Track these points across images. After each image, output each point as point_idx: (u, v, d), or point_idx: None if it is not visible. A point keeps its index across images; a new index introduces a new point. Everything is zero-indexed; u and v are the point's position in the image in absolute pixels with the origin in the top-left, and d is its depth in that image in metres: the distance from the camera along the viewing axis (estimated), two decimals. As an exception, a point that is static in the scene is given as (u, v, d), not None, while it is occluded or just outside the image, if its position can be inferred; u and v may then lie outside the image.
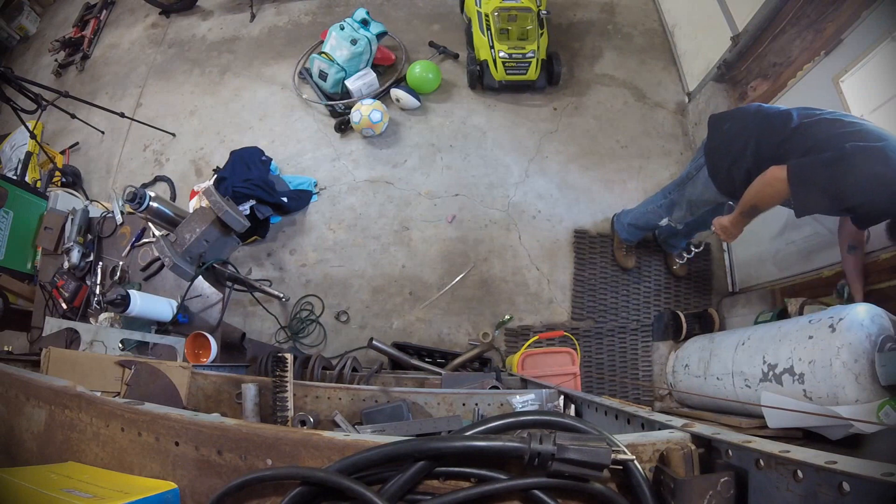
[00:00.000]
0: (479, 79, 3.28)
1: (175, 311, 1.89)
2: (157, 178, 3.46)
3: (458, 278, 2.94)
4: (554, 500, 0.50)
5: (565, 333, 2.58)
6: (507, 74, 3.19)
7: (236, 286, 2.13)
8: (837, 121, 1.59)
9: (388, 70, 3.50)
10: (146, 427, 0.62)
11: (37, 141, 3.29)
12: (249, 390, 1.22)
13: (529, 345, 2.52)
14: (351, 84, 3.24)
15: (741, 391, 2.12)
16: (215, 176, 3.03)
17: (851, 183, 1.44)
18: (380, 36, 3.31)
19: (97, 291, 2.07)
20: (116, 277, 2.07)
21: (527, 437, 0.50)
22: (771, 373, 1.93)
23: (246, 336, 2.22)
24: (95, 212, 2.30)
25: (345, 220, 3.10)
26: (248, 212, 2.83)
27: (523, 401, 1.17)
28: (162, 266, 2.01)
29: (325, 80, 3.29)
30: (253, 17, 4.00)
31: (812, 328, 1.82)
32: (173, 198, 3.38)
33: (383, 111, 3.13)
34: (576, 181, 3.17)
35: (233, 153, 3.08)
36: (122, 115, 3.38)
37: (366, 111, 3.08)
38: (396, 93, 3.23)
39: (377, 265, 2.99)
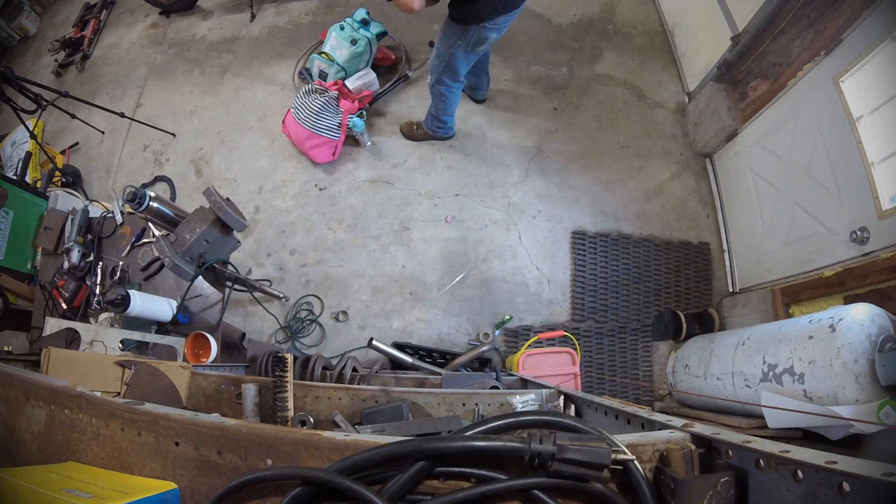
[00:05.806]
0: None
1: (175, 311, 1.89)
2: (157, 178, 3.46)
3: (458, 278, 2.94)
4: (554, 500, 0.50)
5: (565, 333, 2.58)
6: None
7: (236, 286, 2.12)
8: None
9: (389, 70, 3.50)
10: (146, 427, 0.62)
11: (37, 141, 3.29)
12: (249, 390, 1.22)
13: (529, 345, 2.52)
14: (351, 84, 3.23)
15: (741, 391, 2.12)
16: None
17: None
18: (380, 36, 3.31)
19: (97, 291, 2.07)
20: (116, 277, 2.07)
21: (527, 438, 0.50)
22: (771, 373, 1.93)
23: (246, 336, 2.22)
24: (95, 212, 2.30)
25: (345, 220, 3.09)
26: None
27: (523, 401, 1.17)
28: (162, 266, 2.01)
29: (325, 80, 3.28)
30: (253, 17, 3.99)
31: (812, 328, 1.82)
32: (173, 198, 3.38)
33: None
34: (576, 181, 3.17)
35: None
36: (122, 115, 3.37)
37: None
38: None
39: (377, 265, 2.99)
